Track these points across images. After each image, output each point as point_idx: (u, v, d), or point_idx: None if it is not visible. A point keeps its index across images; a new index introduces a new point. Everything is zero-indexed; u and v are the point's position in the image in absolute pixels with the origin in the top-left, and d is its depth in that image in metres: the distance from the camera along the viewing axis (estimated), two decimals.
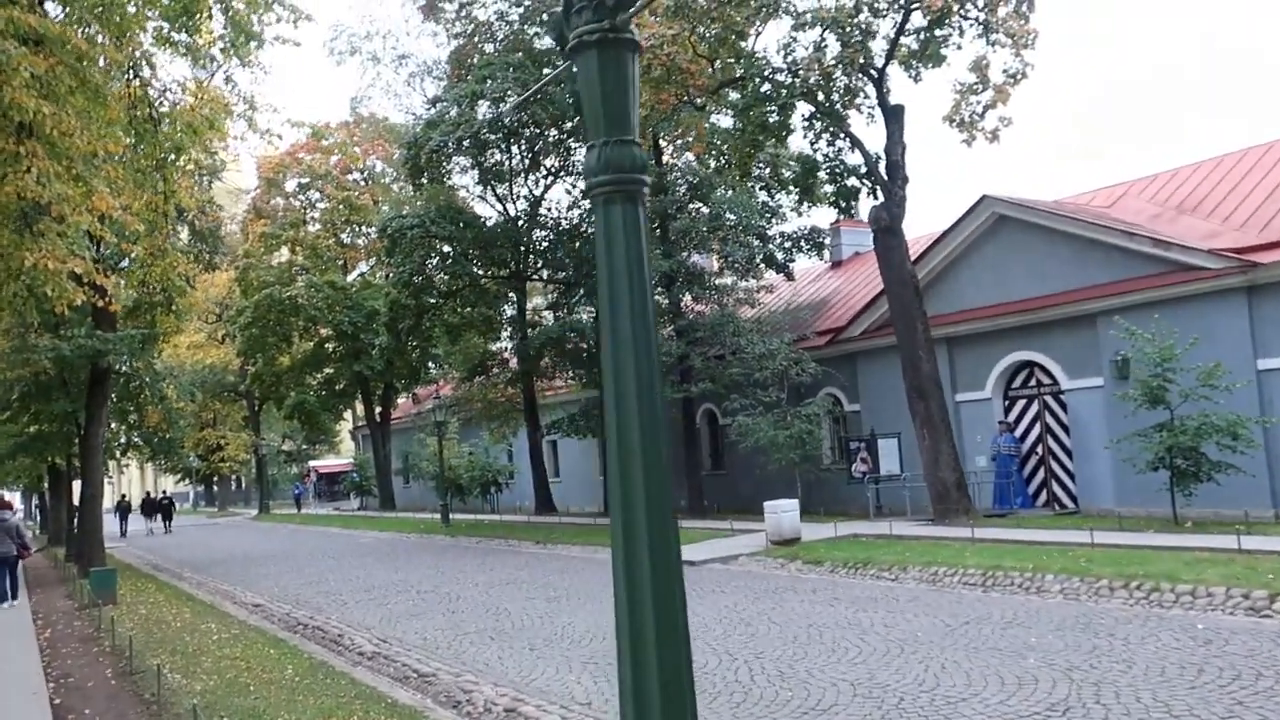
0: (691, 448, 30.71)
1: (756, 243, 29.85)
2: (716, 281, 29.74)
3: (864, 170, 22.74)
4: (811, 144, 23.00)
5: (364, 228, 50.25)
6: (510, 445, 40.93)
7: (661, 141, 29.93)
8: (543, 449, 36.62)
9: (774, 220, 30.96)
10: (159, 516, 50.68)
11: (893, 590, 14.17)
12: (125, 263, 20.56)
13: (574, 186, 34.87)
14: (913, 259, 26.85)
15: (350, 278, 49.83)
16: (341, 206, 49.19)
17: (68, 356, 21.56)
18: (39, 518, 55.61)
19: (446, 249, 30.03)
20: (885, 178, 21.97)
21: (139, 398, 26.38)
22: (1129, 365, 22.02)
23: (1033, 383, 24.80)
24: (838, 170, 23.04)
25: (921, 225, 59.76)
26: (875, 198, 22.87)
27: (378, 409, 51.43)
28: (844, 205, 23.19)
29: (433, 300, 31.88)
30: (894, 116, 22.01)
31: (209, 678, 10.17)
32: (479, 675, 10.18)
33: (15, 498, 72.71)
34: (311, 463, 73.58)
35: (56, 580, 23.10)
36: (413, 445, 49.47)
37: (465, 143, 28.96)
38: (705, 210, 28.71)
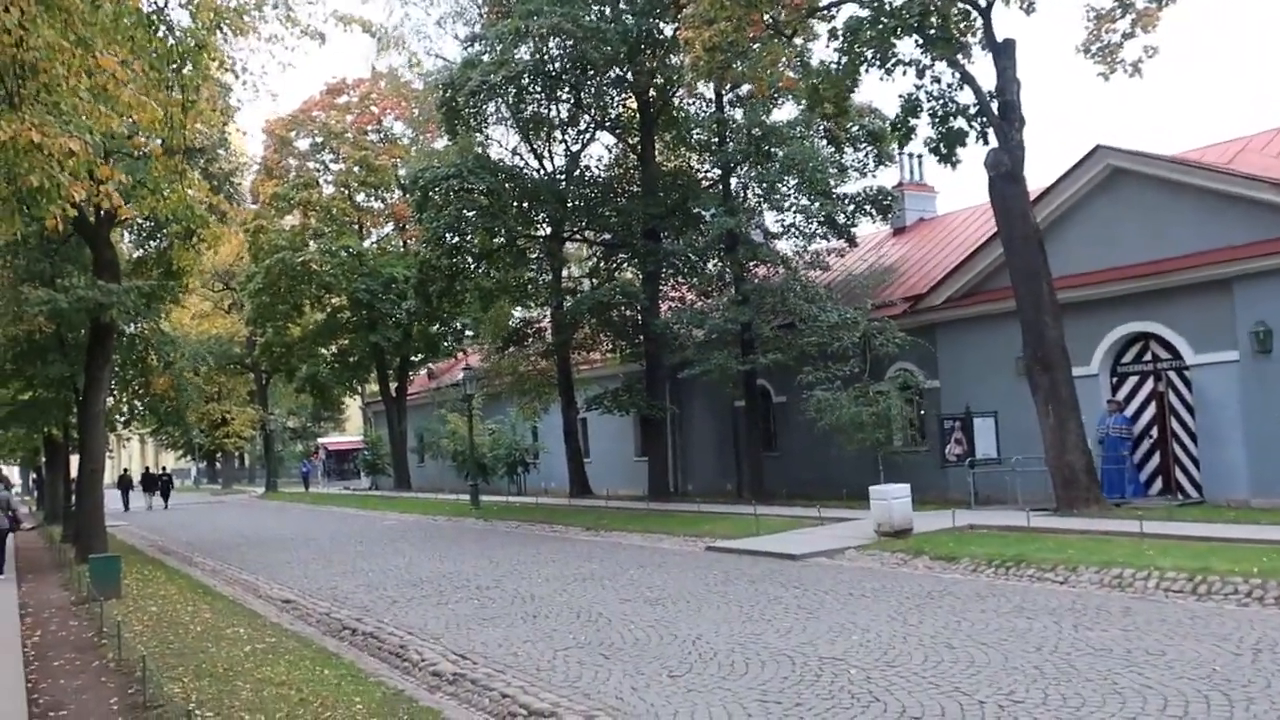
0: (753, 426, 27.90)
1: (819, 203, 27.00)
2: (780, 244, 26.96)
3: (974, 111, 19.94)
4: (916, 80, 20.17)
5: (382, 190, 47.38)
6: (536, 422, 38.18)
7: (723, 88, 26.98)
8: (578, 427, 33.86)
9: (842, 178, 28.12)
10: (158, 493, 48.26)
11: (1079, 597, 11.47)
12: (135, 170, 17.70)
13: (616, 142, 32.03)
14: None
15: (366, 244, 46.92)
16: (358, 168, 46.24)
17: (65, 311, 18.79)
18: (36, 494, 52.76)
19: (485, 202, 27.13)
20: (1000, 118, 19.18)
21: (145, 361, 23.59)
22: (1273, 337, 19.36)
23: (1148, 357, 22.02)
24: (945, 110, 20.19)
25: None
26: (985, 142, 20.08)
27: (393, 384, 48.69)
28: (946, 152, 20.32)
29: (469, 260, 29.03)
30: (1004, 52, 19.21)
31: (252, 716, 7.46)
32: (616, 717, 7.48)
33: (14, 473, 70.15)
34: (320, 440, 70.85)
35: (51, 565, 20.37)
36: (431, 422, 46.79)
37: (508, 85, 26.06)
38: (774, 164, 25.83)
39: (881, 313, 25.44)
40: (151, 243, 25.53)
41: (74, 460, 33.47)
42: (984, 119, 19.86)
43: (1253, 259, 19.64)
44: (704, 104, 29.76)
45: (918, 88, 20.18)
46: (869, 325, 23.68)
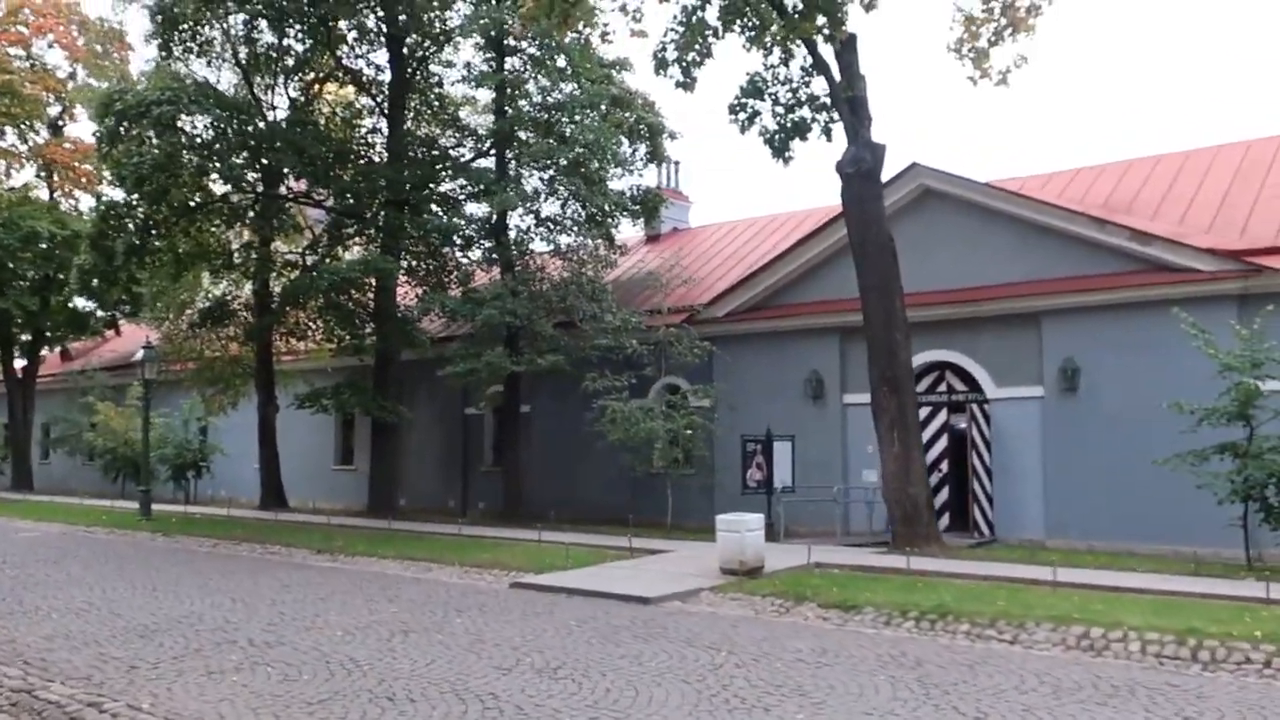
0: (512, 437, 24.40)
1: (590, 194, 24.27)
2: (568, 234, 23.91)
3: (821, 102, 18.07)
4: (764, 60, 18.03)
5: (26, 127, 38.85)
6: (215, 419, 32.25)
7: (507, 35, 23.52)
8: (275, 426, 28.65)
9: (618, 170, 25.54)
10: None
11: (1055, 665, 9.41)
12: None
13: (360, 96, 27.59)
14: (814, 229, 22.80)
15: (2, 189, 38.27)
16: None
17: None
18: None
19: (203, 141, 21.79)
20: (850, 113, 17.45)
21: None
22: (1080, 375, 19.02)
23: (943, 388, 21.27)
24: (791, 99, 18.15)
25: (806, 196, 53.34)
26: (829, 138, 18.29)
27: (19, 362, 40.07)
28: (781, 145, 18.29)
29: (169, 213, 23.28)
30: (847, 46, 17.57)
31: None
32: None
33: None
34: None
35: None
36: (67, 410, 38.88)
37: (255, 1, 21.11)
38: (563, 142, 22.74)
39: (656, 320, 23.16)
40: None
41: None
42: (830, 113, 18.08)
43: (1064, 294, 19.26)
44: (467, 68, 26.07)
45: (768, 68, 18.06)
46: (666, 332, 21.23)
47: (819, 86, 18.05)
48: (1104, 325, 18.79)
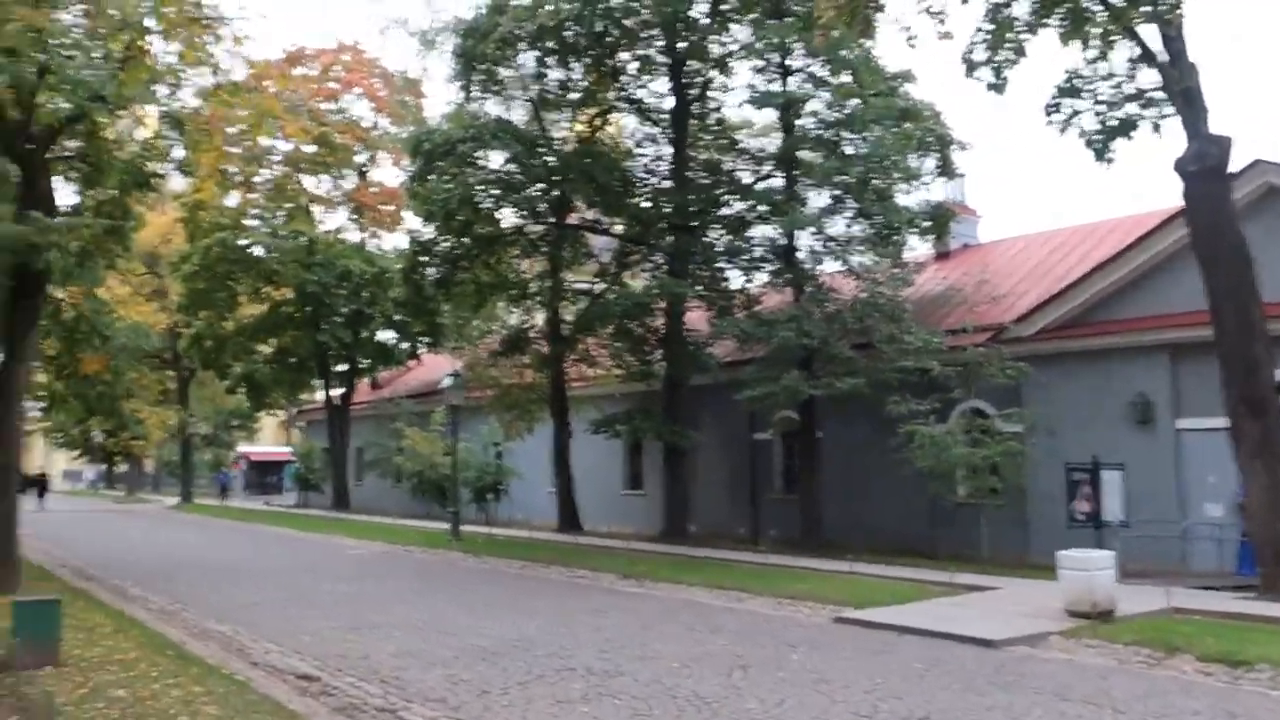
0: (809, 463, 23.64)
1: (881, 211, 23.25)
2: (856, 253, 23.10)
3: (1149, 97, 16.36)
4: (1085, 54, 16.58)
5: (337, 174, 42.35)
6: (513, 444, 33.48)
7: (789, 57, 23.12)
8: (570, 451, 29.36)
9: (911, 186, 24.41)
10: (34, 493, 42.48)
11: None
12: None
13: (642, 124, 27.89)
14: (1140, 235, 20.86)
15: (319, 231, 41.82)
16: (313, 147, 41.11)
17: None
18: None
19: (504, 175, 22.68)
20: (1186, 106, 15.68)
21: (75, 333, 18.52)
22: None
23: None
24: (1114, 95, 16.59)
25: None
26: (1158, 133, 16.52)
27: (337, 390, 43.54)
28: (1102, 147, 16.71)
29: (471, 245, 24.40)
30: (1177, 34, 15.77)
31: None
32: None
33: None
34: (242, 448, 64.51)
35: None
36: (378, 435, 41.70)
37: (538, 39, 21.81)
38: (853, 151, 22.00)
39: (958, 340, 21.83)
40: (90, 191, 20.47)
41: None
42: (1159, 108, 16.33)
43: None
44: (751, 89, 25.79)
45: (1089, 63, 16.59)
46: (974, 351, 19.96)
47: (1145, 79, 16.37)
48: None
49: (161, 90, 16.98)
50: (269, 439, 76.31)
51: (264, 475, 62.47)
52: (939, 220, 25.91)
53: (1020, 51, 16.84)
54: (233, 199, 42.44)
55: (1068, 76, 16.84)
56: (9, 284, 15.55)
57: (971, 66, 16.75)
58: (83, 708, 7.88)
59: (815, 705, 8.69)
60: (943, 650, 11.42)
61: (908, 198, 24.61)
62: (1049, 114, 17.14)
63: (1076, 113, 16.84)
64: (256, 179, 42.02)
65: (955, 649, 11.52)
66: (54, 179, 17.59)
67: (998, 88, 16.87)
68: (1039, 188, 77.83)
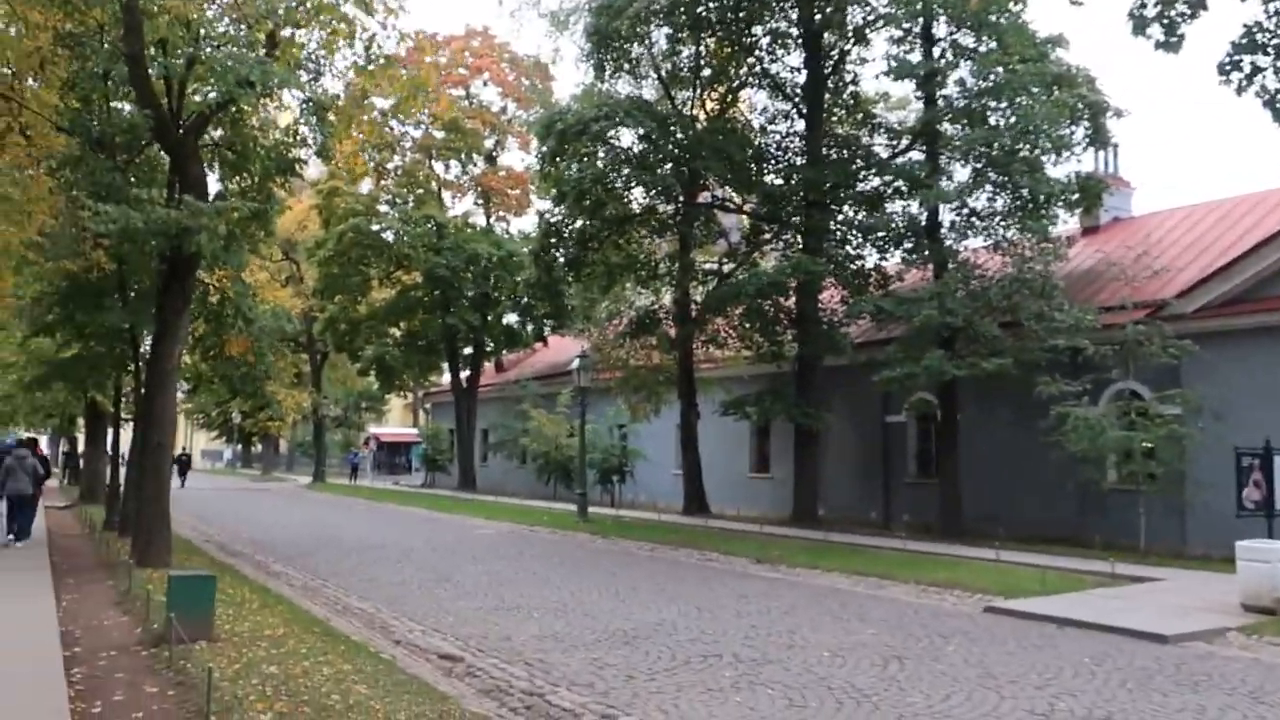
0: (946, 445, 22.77)
1: (1028, 183, 22.10)
2: (1002, 228, 22.08)
3: None
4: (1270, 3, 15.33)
5: (466, 159, 42.88)
6: (638, 425, 33.36)
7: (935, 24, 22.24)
8: (697, 434, 29.04)
9: (1060, 157, 23.17)
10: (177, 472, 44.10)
11: None
12: None
13: (776, 99, 27.23)
14: None
15: (448, 215, 42.41)
16: (443, 133, 41.71)
17: (139, 232, 14.15)
18: (65, 469, 48.14)
19: (636, 154, 22.42)
20: None
21: (221, 315, 19.03)
22: None
23: None
24: None
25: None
26: None
27: (464, 372, 44.17)
28: None
29: (601, 226, 24.26)
30: None
31: None
32: None
33: (43, 443, 65.88)
34: (372, 429, 66.29)
35: (95, 564, 15.70)
36: (503, 417, 42.17)
37: (672, 12, 21.41)
38: (998, 121, 21.02)
39: (1113, 318, 20.64)
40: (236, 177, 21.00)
41: (121, 432, 29.02)
42: None
43: None
44: (890, 60, 24.92)
45: (1270, 16, 15.34)
46: (1134, 329, 18.84)
47: None
48: None
49: (303, 76, 17.25)
50: (396, 421, 78.34)
51: (393, 456, 64.01)
52: (1089, 192, 24.55)
53: (1200, 3, 15.70)
54: (365, 185, 43.48)
55: (1246, 30, 15.61)
56: (162, 267, 16.01)
57: (1141, 23, 15.65)
58: (237, 684, 7.90)
59: (985, 702, 8.15)
60: (1110, 644, 10.69)
61: (1056, 169, 23.50)
62: (1223, 73, 15.78)
63: (1258, 69, 15.57)
64: (389, 165, 42.96)
65: (1124, 644, 10.78)
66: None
67: (1171, 46, 15.72)
68: (1202, 161, 73.96)
